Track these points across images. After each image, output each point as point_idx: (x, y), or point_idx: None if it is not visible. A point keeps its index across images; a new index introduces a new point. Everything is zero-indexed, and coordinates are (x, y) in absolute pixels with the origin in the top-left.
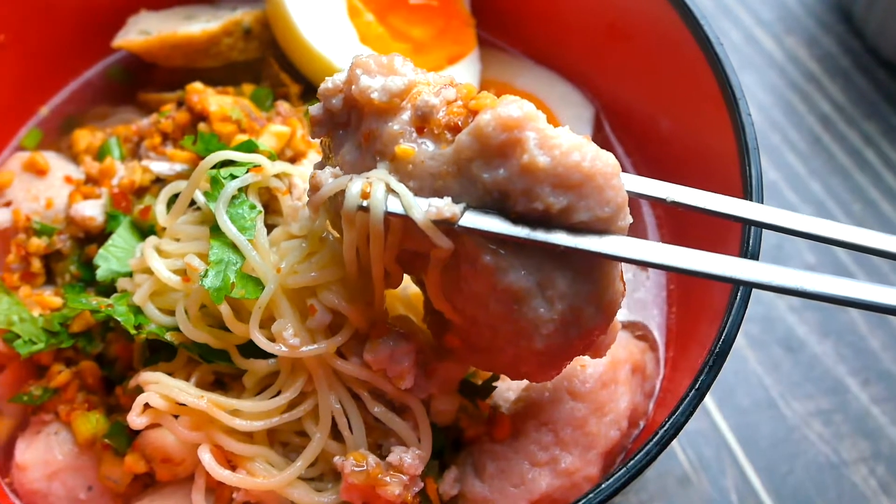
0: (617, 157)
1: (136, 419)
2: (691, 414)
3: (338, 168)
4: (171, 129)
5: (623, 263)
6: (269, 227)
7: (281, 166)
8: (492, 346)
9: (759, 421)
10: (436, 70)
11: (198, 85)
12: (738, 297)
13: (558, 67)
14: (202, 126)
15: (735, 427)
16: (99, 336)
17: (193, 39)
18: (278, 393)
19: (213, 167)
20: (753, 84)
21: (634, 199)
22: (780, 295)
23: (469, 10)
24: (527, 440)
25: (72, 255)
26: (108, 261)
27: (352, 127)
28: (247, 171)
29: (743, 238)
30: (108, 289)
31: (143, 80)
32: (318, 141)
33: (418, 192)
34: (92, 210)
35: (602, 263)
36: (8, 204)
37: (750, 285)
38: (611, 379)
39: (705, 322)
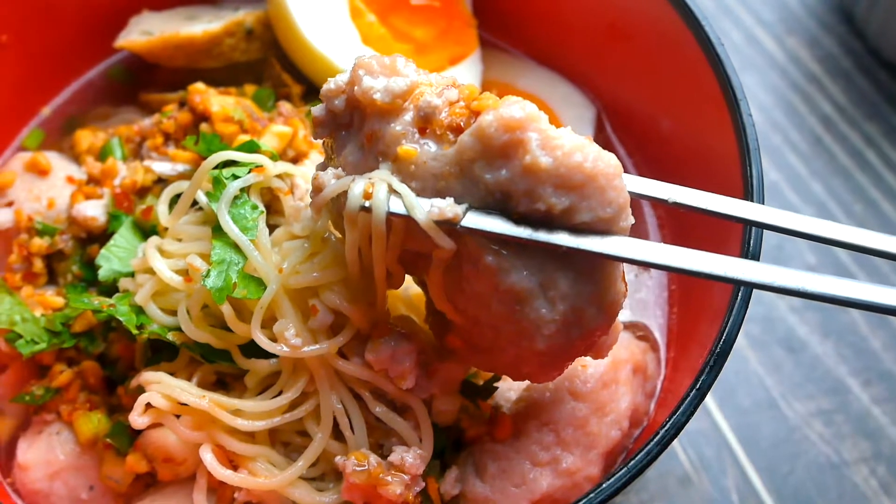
0: (618, 158)
1: (137, 419)
2: (692, 414)
3: (340, 169)
4: (173, 130)
5: (625, 264)
6: (271, 228)
7: (283, 167)
8: (493, 346)
9: (760, 421)
10: (438, 71)
11: (200, 85)
12: (738, 298)
13: (560, 68)
14: (204, 126)
15: (736, 427)
16: (101, 336)
17: (195, 40)
18: (280, 393)
19: (216, 167)
20: (754, 85)
21: (636, 199)
22: (780, 295)
23: (471, 11)
24: (528, 440)
25: (74, 256)
26: (109, 261)
27: (354, 128)
28: (249, 172)
29: (744, 239)
30: (109, 289)
31: (145, 81)
32: (320, 142)
33: (421, 193)
34: (94, 210)
35: (604, 264)
36: (10, 204)
37: (751, 286)
38: (612, 379)
39: (706, 322)
